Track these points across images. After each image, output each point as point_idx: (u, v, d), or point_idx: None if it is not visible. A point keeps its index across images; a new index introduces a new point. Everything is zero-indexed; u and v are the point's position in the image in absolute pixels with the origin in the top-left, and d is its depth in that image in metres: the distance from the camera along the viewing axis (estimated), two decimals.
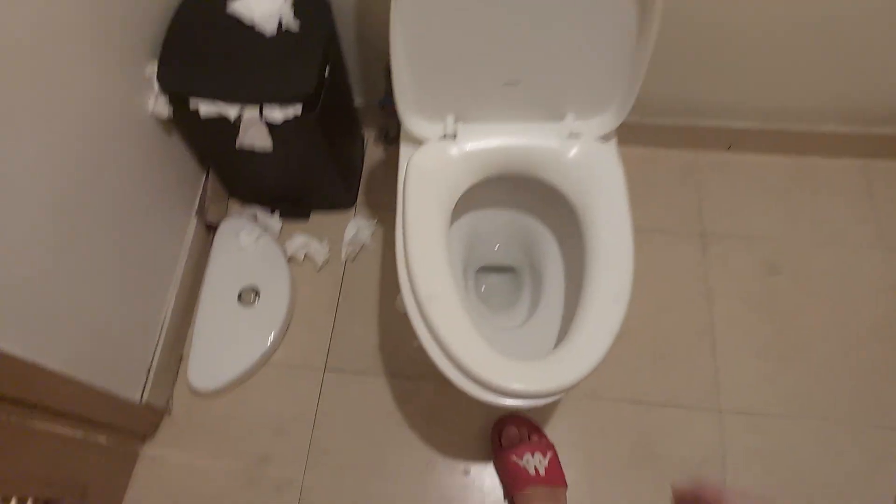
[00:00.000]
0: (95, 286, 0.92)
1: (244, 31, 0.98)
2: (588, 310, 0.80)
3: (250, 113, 0.97)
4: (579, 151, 0.90)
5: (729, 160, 1.39)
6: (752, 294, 1.25)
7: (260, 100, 0.96)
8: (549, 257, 1.01)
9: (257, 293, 1.20)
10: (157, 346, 1.09)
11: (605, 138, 0.93)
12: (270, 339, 1.16)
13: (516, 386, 0.73)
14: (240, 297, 1.19)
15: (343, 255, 1.28)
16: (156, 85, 0.99)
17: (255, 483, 1.08)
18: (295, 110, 0.97)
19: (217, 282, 1.22)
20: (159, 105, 1.01)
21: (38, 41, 0.75)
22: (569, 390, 0.75)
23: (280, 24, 0.98)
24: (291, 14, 0.98)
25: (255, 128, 1.00)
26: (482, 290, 1.10)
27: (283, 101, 0.96)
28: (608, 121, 0.91)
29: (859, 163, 1.37)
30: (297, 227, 1.31)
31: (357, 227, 1.28)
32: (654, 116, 1.32)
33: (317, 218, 1.33)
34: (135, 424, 1.05)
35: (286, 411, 1.14)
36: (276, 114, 0.97)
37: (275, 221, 1.31)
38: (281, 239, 1.29)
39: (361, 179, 1.38)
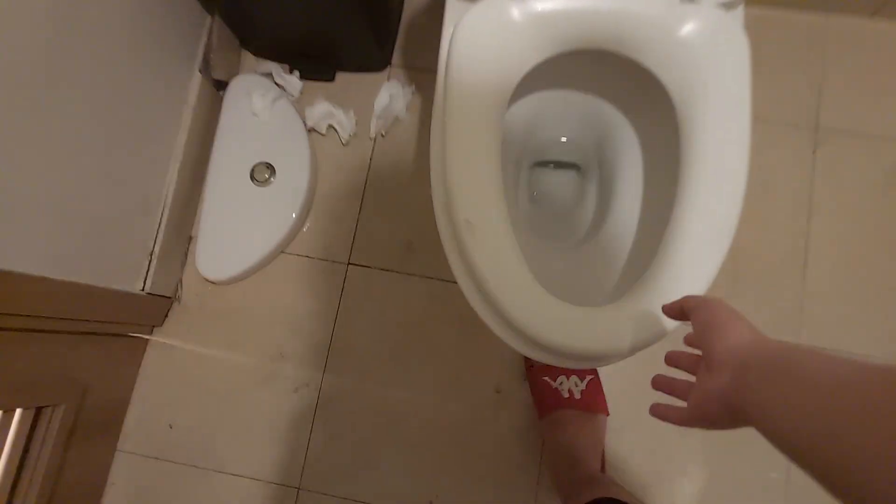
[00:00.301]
0: (74, 164, 0.77)
1: None
2: (674, 250, 0.62)
3: None
4: (696, 28, 0.64)
5: (871, 30, 1.08)
6: (864, 210, 1.02)
7: None
8: (628, 163, 0.79)
9: (273, 169, 1.03)
10: (158, 228, 0.96)
11: (730, 5, 0.67)
12: (288, 225, 1.01)
13: (578, 345, 0.58)
14: (252, 173, 1.03)
15: (372, 130, 1.07)
16: None
17: (271, 381, 1.01)
18: None
19: (226, 153, 1.05)
20: None
21: None
22: (636, 352, 0.60)
23: None
24: None
25: None
26: (535, 193, 0.90)
27: None
28: None
29: None
30: (321, 89, 1.10)
31: (390, 94, 1.06)
32: None
33: (343, 79, 1.11)
34: (137, 316, 0.96)
35: (304, 307, 1.03)
36: None
37: (294, 81, 1.09)
38: (301, 103, 1.09)
39: (398, 32, 1.12)
